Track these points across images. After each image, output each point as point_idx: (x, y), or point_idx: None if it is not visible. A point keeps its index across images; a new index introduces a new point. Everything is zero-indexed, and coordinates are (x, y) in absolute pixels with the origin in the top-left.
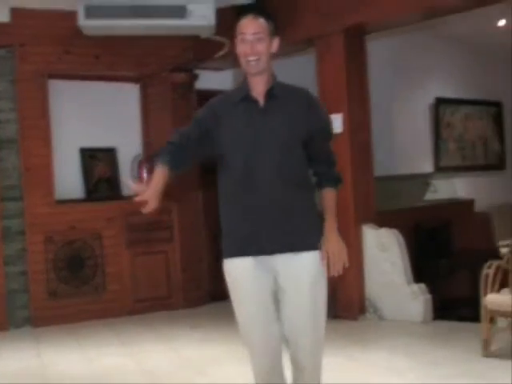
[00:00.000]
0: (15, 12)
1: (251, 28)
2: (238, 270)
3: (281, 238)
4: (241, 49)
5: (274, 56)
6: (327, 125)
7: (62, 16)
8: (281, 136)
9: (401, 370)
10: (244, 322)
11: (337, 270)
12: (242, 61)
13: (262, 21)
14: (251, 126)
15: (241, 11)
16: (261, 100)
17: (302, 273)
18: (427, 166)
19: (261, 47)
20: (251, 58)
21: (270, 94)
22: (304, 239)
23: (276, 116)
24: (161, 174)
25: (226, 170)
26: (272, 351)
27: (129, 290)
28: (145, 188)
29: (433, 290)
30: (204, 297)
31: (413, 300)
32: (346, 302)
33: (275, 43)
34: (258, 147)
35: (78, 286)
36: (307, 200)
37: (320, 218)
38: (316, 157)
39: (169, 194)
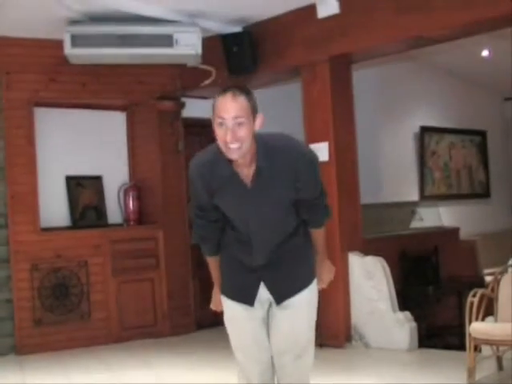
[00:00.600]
0: (0, 40)
1: (231, 111)
2: (235, 311)
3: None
4: (220, 134)
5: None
6: (317, 183)
7: (48, 44)
8: (270, 213)
9: None
10: (239, 349)
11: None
12: (222, 145)
13: (242, 100)
14: (243, 204)
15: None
16: (248, 182)
17: (299, 303)
18: (413, 194)
19: (243, 133)
20: (232, 146)
21: (257, 175)
22: (304, 281)
23: (264, 195)
24: (216, 266)
25: (229, 224)
26: (266, 373)
27: (115, 317)
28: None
29: (419, 317)
30: (191, 324)
31: (398, 328)
32: (332, 330)
33: (259, 121)
34: (253, 223)
35: (64, 313)
36: (303, 245)
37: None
38: (305, 209)
39: (155, 221)
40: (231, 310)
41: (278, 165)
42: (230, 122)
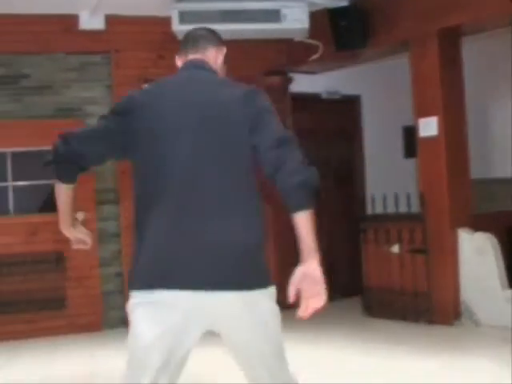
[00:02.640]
0: (110, 19)
1: None
2: None
3: None
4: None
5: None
6: None
7: (156, 22)
8: None
9: (503, 379)
10: None
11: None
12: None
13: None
14: None
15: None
16: None
17: None
18: None
19: None
20: None
21: None
22: None
23: None
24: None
25: None
26: None
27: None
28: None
29: None
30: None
31: (509, 305)
32: (442, 307)
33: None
34: None
35: None
36: None
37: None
38: None
39: (266, 195)
40: None
41: None
42: None
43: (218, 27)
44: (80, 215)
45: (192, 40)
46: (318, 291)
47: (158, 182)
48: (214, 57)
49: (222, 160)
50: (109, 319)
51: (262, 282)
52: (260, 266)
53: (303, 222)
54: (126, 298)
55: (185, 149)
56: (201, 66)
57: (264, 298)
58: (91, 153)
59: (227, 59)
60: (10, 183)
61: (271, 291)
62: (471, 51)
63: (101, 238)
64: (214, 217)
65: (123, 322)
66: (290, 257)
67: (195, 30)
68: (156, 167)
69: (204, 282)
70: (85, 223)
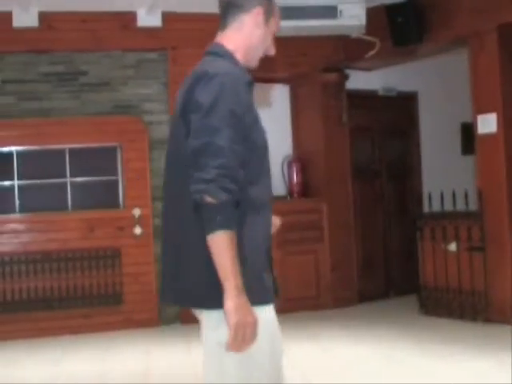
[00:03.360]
0: (167, 16)
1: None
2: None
3: None
4: (268, 42)
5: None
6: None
7: (212, 18)
8: None
9: None
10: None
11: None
12: (259, 52)
13: None
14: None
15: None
16: None
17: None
18: None
19: None
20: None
21: None
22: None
23: None
24: None
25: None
26: None
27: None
28: None
29: None
30: (354, 297)
31: None
32: (499, 305)
33: None
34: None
35: None
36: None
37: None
38: None
39: (319, 194)
40: (274, 321)
41: None
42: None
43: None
44: (136, 211)
45: (219, 11)
46: (233, 337)
47: None
48: (241, 26)
49: (177, 175)
50: (165, 315)
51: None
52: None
53: (210, 247)
54: None
55: (166, 161)
56: (207, 53)
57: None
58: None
59: (285, 50)
60: (68, 179)
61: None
62: None
63: (156, 234)
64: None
65: (178, 318)
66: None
67: None
68: None
69: None
70: (140, 219)
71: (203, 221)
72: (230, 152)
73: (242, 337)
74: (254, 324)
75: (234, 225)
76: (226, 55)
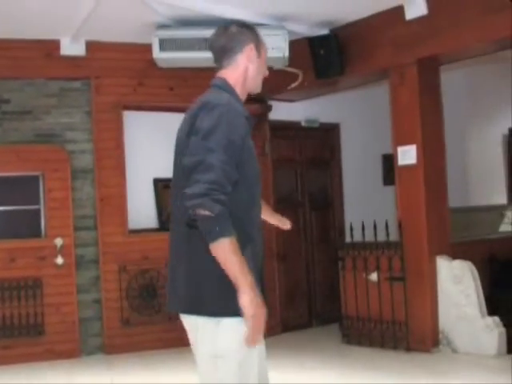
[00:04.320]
0: (90, 45)
1: None
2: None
3: None
4: (263, 69)
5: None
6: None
7: (136, 49)
8: None
9: None
10: None
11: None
12: (258, 80)
13: None
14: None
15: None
16: None
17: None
18: (501, 198)
19: None
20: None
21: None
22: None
23: None
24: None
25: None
26: None
27: None
28: None
29: (508, 322)
30: (276, 326)
31: (487, 333)
32: (420, 334)
33: None
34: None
35: (151, 314)
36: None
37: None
38: None
39: None
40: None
41: None
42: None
43: (197, 55)
44: (58, 241)
45: (213, 54)
46: (253, 329)
47: None
48: (237, 66)
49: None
50: (87, 346)
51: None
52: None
53: (216, 256)
54: (103, 325)
55: (172, 179)
56: (212, 85)
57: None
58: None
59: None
60: None
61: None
62: (451, 79)
63: (78, 264)
64: None
65: (101, 349)
66: None
67: (214, 38)
68: None
69: None
70: (62, 249)
71: (203, 233)
72: (220, 170)
73: (259, 328)
74: (265, 315)
75: (232, 231)
76: (227, 89)
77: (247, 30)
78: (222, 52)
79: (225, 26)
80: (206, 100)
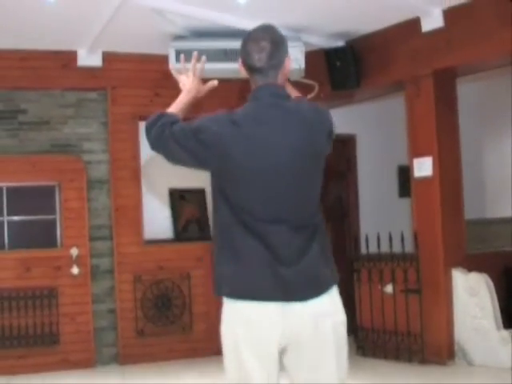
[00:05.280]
0: (107, 56)
1: None
2: None
3: None
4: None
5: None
6: None
7: (152, 59)
8: None
9: None
10: None
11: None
12: None
13: None
14: None
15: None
16: None
17: None
18: None
19: None
20: None
21: None
22: None
23: None
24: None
25: None
26: None
27: (216, 329)
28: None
29: None
30: None
31: (503, 346)
32: (435, 347)
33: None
34: None
35: (166, 324)
36: None
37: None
38: None
39: None
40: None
41: None
42: None
43: (215, 66)
44: (74, 251)
45: (258, 59)
46: None
47: None
48: (285, 71)
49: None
50: (102, 356)
51: None
52: None
53: None
54: (118, 335)
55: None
56: (284, 95)
57: None
58: None
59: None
60: (5, 218)
61: None
62: (466, 91)
63: (94, 274)
64: None
65: (115, 359)
66: None
67: (257, 39)
68: None
69: None
70: (78, 259)
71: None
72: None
73: None
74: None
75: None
76: None
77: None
78: (269, 54)
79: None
80: (311, 104)
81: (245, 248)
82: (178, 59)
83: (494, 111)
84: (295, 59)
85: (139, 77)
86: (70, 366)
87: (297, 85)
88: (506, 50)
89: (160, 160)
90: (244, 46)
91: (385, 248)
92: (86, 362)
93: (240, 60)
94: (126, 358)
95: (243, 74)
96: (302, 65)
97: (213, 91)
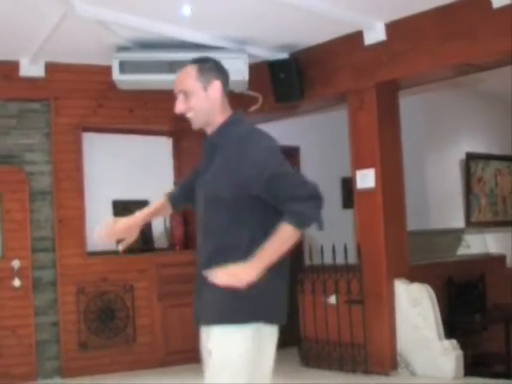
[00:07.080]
0: (50, 66)
1: (177, 85)
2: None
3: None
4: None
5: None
6: (261, 170)
7: (96, 70)
8: (206, 192)
9: None
10: None
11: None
12: None
13: (188, 70)
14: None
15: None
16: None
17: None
18: (459, 221)
19: (193, 102)
20: (187, 116)
21: (211, 144)
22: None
23: (210, 170)
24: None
25: None
26: None
27: (160, 342)
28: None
29: (465, 345)
30: None
31: (445, 356)
32: (378, 357)
33: (213, 89)
34: (198, 200)
35: (109, 337)
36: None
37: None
38: (275, 203)
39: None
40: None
41: (225, 145)
42: (177, 95)
43: (157, 77)
44: (16, 263)
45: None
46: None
47: None
48: None
49: None
50: (43, 369)
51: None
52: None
53: None
54: (61, 348)
55: None
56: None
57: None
58: None
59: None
60: None
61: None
62: (410, 104)
63: (36, 286)
64: None
65: (58, 372)
66: None
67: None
68: None
69: None
70: (20, 271)
71: (291, 221)
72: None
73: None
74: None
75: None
76: None
77: None
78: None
79: None
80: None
81: None
82: (121, 71)
83: (437, 124)
84: (239, 70)
85: (82, 88)
86: (10, 379)
87: (241, 96)
88: (446, 63)
89: (103, 171)
90: (222, 69)
91: (328, 259)
92: (27, 376)
93: (219, 83)
94: (68, 370)
95: (214, 96)
96: (246, 76)
97: (159, 104)
